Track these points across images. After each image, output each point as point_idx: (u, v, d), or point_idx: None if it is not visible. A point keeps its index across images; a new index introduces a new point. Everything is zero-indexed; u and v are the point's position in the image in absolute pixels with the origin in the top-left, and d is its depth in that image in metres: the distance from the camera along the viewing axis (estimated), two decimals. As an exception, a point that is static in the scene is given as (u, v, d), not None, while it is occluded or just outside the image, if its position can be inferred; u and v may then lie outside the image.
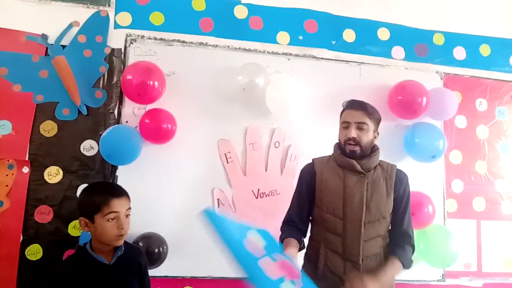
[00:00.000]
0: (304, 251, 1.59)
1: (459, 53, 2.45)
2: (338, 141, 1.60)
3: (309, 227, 1.63)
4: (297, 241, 1.49)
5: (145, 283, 1.52)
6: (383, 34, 2.37)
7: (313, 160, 1.65)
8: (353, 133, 1.50)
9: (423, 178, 2.24)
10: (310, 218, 1.62)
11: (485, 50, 2.50)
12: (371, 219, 1.50)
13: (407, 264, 1.49)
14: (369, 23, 2.36)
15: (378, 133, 1.57)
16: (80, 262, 1.40)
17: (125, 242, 1.46)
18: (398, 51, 2.37)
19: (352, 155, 1.52)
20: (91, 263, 1.39)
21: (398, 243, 1.53)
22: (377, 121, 1.56)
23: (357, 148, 1.51)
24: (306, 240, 1.60)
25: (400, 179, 1.57)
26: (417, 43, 2.41)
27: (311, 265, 1.57)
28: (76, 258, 1.44)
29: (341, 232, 1.50)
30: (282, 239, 1.51)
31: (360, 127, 1.51)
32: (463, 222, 2.32)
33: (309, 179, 1.60)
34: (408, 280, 2.18)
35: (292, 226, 1.58)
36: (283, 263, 1.26)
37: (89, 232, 1.41)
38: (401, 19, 2.40)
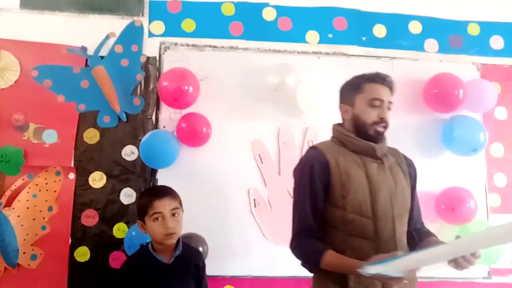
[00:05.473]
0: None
1: (496, 42, 2.36)
2: (341, 122, 1.39)
3: None
4: None
5: (202, 284, 1.58)
6: (415, 27, 2.32)
7: (316, 146, 1.36)
8: (387, 113, 1.30)
9: (463, 172, 2.18)
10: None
11: (524, 37, 2.40)
12: (399, 213, 1.29)
13: None
14: (400, 17, 2.32)
15: None
16: (142, 260, 1.50)
17: (183, 243, 1.55)
18: (431, 44, 2.31)
19: (377, 138, 1.31)
20: (151, 261, 1.48)
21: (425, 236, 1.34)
22: None
23: (383, 131, 1.32)
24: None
25: (409, 162, 1.40)
26: (451, 35, 2.34)
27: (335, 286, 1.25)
28: (138, 256, 1.54)
29: (372, 235, 1.24)
30: (319, 255, 1.20)
31: (389, 107, 1.32)
32: (508, 216, 2.22)
33: (321, 172, 1.28)
34: (453, 278, 2.12)
35: (313, 236, 1.26)
36: None
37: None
38: (433, 11, 2.34)
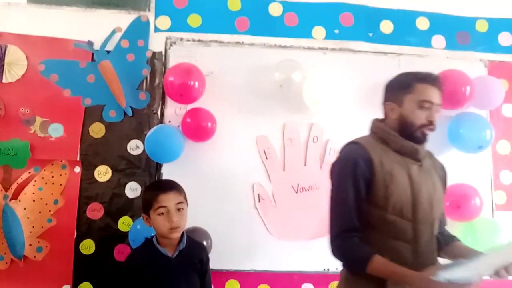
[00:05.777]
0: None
1: (505, 38, 2.34)
2: (383, 119, 1.36)
3: None
4: None
5: (206, 278, 1.59)
6: (422, 24, 2.31)
7: (357, 142, 1.31)
8: (435, 116, 1.27)
9: (469, 169, 2.17)
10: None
11: (534, 34, 2.37)
12: (437, 217, 1.29)
13: None
14: (407, 13, 2.31)
15: None
16: (146, 253, 1.51)
17: (188, 237, 1.56)
18: (438, 40, 2.30)
19: (420, 140, 1.28)
20: (155, 255, 1.49)
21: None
22: None
23: (429, 134, 1.29)
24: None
25: (442, 166, 1.41)
26: (459, 31, 2.32)
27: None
28: (143, 249, 1.55)
29: (410, 238, 1.22)
30: (367, 260, 1.16)
31: (438, 110, 1.28)
32: (514, 214, 2.22)
33: (365, 169, 1.22)
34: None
35: (357, 237, 1.21)
36: None
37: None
38: (441, 7, 2.32)
